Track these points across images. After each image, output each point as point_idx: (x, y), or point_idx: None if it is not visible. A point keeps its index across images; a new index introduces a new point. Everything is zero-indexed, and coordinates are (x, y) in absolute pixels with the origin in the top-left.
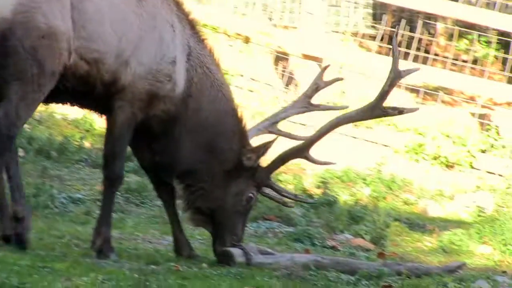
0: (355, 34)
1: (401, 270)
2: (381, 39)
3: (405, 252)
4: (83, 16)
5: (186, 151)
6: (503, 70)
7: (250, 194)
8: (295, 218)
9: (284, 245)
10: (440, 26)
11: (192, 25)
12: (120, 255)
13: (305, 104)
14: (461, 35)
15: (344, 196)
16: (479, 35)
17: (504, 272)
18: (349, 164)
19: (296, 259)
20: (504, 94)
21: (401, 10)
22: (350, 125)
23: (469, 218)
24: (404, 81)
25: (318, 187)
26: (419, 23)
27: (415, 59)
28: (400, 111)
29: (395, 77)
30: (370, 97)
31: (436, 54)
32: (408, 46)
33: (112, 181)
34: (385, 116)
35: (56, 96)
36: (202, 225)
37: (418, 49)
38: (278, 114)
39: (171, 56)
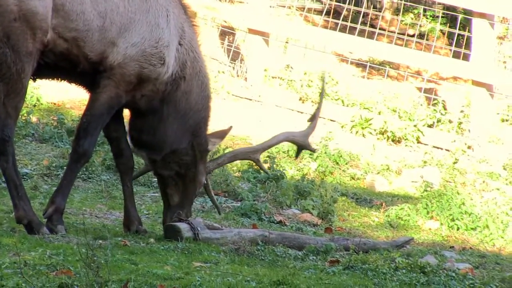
0: (300, 9)
1: (348, 245)
2: (327, 14)
3: (352, 227)
4: None
5: (174, 132)
6: (449, 44)
7: (201, 182)
8: (242, 193)
9: (231, 220)
10: (386, 0)
11: (185, 10)
12: (68, 230)
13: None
14: (407, 10)
15: (291, 171)
16: (425, 10)
17: (452, 247)
18: None
19: (243, 234)
20: (450, 68)
21: None
22: (297, 99)
23: (417, 193)
24: (350, 55)
25: (265, 162)
26: None
27: (361, 33)
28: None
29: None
30: (314, 71)
31: (382, 29)
32: (354, 21)
33: (79, 155)
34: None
35: (39, 71)
36: (172, 193)
37: (364, 23)
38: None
39: (166, 39)
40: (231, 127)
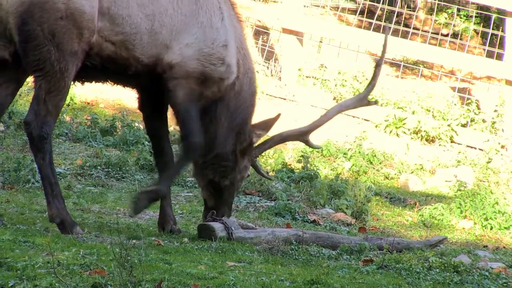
0: (334, 8)
1: (382, 245)
2: (361, 13)
3: (386, 226)
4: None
5: (223, 132)
6: (483, 44)
7: (246, 174)
8: (276, 192)
9: (265, 219)
10: (420, 0)
11: (234, 7)
12: (101, 230)
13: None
14: (440, 9)
15: (324, 171)
16: (459, 9)
17: (485, 246)
18: (330, 138)
19: (277, 234)
20: (484, 68)
21: None
22: (331, 99)
23: (450, 192)
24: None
25: (299, 161)
26: None
27: (395, 33)
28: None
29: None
30: (348, 70)
31: (416, 28)
32: (388, 20)
33: (193, 149)
34: (370, 105)
35: (87, 74)
36: (208, 198)
37: (398, 23)
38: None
39: (221, 39)
40: (279, 115)
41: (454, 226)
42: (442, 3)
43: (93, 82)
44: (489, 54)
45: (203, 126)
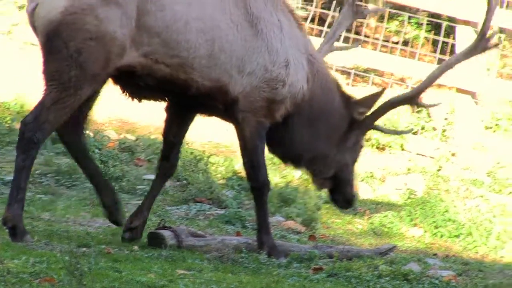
0: None
1: (332, 253)
2: (312, 21)
3: (336, 234)
4: (159, 23)
5: (306, 139)
6: (434, 51)
7: (362, 143)
8: (227, 200)
9: (215, 227)
10: (370, 7)
11: (294, 16)
12: (51, 238)
13: (351, 14)
14: (391, 17)
15: (275, 178)
16: (410, 17)
17: (435, 254)
18: None
19: (227, 242)
20: None
21: None
22: None
23: (400, 200)
24: (335, 62)
25: None
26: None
27: (346, 40)
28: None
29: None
30: None
31: (366, 36)
32: None
33: (260, 188)
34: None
35: (141, 93)
36: (327, 186)
37: (348, 30)
38: (333, 32)
39: (282, 60)
40: (383, 89)
41: (404, 234)
42: (393, 10)
43: (152, 100)
44: (440, 62)
45: (279, 138)
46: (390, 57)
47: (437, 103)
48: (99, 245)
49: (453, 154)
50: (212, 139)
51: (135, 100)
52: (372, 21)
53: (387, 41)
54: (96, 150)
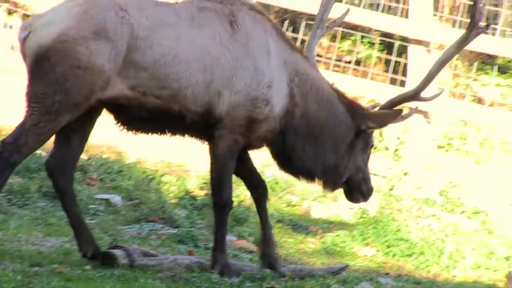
0: None
1: (284, 272)
2: None
3: (288, 253)
4: (146, 59)
5: (313, 154)
6: (386, 71)
7: (372, 142)
8: (179, 220)
9: (167, 247)
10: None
11: (284, 38)
12: (3, 257)
13: None
14: (344, 36)
15: None
16: (362, 36)
17: (387, 273)
18: None
19: (179, 261)
20: (387, 95)
21: (284, 11)
22: None
23: (353, 219)
24: None
25: (202, 188)
26: (302, 24)
27: None
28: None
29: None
30: None
31: (319, 55)
32: None
33: (222, 207)
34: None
35: (138, 125)
36: (340, 187)
37: None
38: (320, 16)
39: (266, 81)
40: (400, 111)
41: (356, 253)
42: (346, 30)
43: (150, 134)
44: (392, 81)
45: (285, 158)
46: (342, 76)
47: (439, 93)
48: (51, 264)
49: (405, 174)
50: (165, 158)
51: (130, 133)
52: (325, 41)
53: (340, 60)
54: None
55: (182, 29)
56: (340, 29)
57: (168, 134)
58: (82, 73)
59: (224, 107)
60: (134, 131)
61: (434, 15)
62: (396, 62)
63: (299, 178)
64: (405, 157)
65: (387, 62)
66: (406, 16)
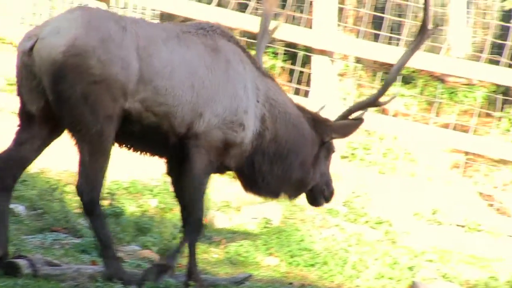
0: None
1: (188, 282)
2: None
3: None
4: (150, 69)
5: (280, 173)
6: (290, 81)
7: (333, 148)
8: (82, 229)
9: (71, 256)
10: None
11: (256, 66)
12: None
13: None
14: (248, 46)
15: (131, 208)
16: (266, 46)
17: (291, 283)
18: (136, 175)
19: (83, 271)
20: None
21: (188, 21)
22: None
23: (256, 229)
24: None
25: (105, 198)
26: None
27: None
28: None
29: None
30: None
31: None
32: None
33: (196, 226)
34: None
35: (126, 140)
36: (302, 193)
37: None
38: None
39: (244, 106)
40: (361, 120)
41: (260, 263)
42: (250, 40)
43: (131, 149)
44: (296, 91)
45: (251, 180)
46: None
47: (394, 96)
48: None
49: None
50: (69, 167)
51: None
52: None
53: None
54: None
55: (174, 45)
56: (244, 39)
57: (147, 154)
58: (98, 87)
59: (203, 126)
60: (119, 145)
61: (338, 25)
62: (300, 72)
63: (264, 198)
64: None
65: (291, 72)
66: (310, 27)
